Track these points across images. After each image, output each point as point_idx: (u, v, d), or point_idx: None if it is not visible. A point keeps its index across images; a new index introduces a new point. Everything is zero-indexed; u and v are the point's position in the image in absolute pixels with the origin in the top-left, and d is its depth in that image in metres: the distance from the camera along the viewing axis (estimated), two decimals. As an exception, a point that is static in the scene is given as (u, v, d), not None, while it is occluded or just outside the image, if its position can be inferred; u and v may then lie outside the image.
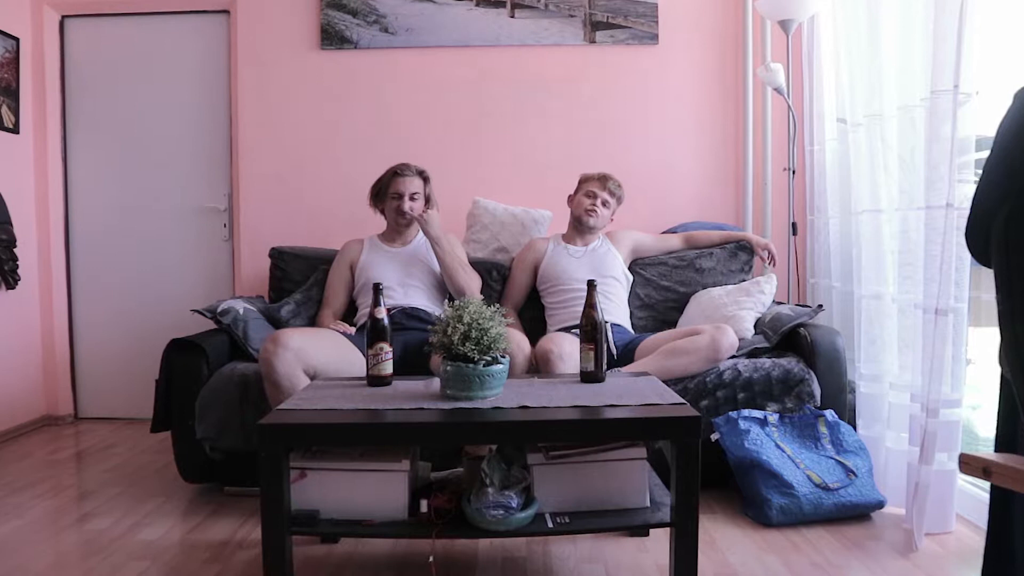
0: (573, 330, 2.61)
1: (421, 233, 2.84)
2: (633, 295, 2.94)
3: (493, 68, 3.45)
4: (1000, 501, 1.46)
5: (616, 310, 2.76)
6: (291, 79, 3.48)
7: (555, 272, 2.83)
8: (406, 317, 2.59)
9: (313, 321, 2.79)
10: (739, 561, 1.96)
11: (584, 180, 2.90)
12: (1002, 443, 1.42)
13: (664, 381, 2.34)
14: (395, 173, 2.74)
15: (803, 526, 2.17)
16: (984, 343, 2.48)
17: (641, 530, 2.09)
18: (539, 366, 2.36)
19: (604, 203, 2.85)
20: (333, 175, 3.48)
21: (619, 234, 2.98)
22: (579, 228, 2.88)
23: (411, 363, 2.42)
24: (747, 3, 3.36)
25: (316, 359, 2.26)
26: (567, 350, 2.34)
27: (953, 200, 1.94)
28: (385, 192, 2.76)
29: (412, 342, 2.47)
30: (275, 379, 2.18)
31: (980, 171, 1.46)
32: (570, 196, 2.94)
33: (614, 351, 2.55)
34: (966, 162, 1.94)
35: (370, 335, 1.95)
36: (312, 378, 2.23)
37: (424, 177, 2.77)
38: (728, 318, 2.63)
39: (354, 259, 2.80)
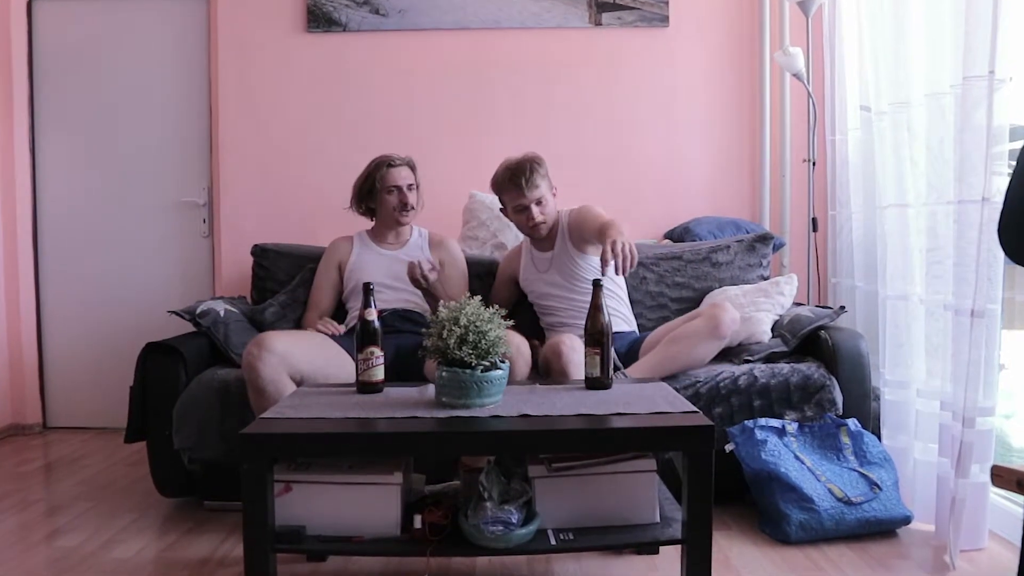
0: None
1: (416, 232, 2.83)
2: (645, 294, 2.91)
3: (492, 52, 3.45)
4: (1036, 516, 1.46)
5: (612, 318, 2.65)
6: (275, 64, 3.48)
7: (530, 289, 2.76)
8: (399, 319, 2.59)
9: (299, 324, 2.79)
10: (756, 581, 1.96)
11: (500, 192, 2.65)
12: (1038, 454, 1.41)
13: (673, 376, 2.36)
14: (388, 165, 2.71)
15: (824, 543, 2.16)
16: (1016, 347, 2.48)
17: (650, 547, 2.08)
18: (549, 361, 2.33)
19: (539, 201, 2.58)
20: (320, 167, 3.47)
21: (576, 214, 2.63)
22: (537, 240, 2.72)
23: (404, 368, 2.42)
24: (764, -17, 3.37)
25: (303, 364, 2.25)
26: (579, 345, 2.32)
27: (989, 194, 1.93)
28: (377, 187, 2.72)
29: (405, 346, 2.47)
30: (259, 385, 2.18)
31: (1014, 163, 1.46)
32: (501, 209, 2.74)
33: (619, 364, 2.51)
34: (1000, 152, 1.94)
35: (360, 338, 1.94)
36: (299, 384, 2.22)
37: (412, 165, 2.77)
38: (744, 320, 2.62)
39: (343, 259, 2.79)
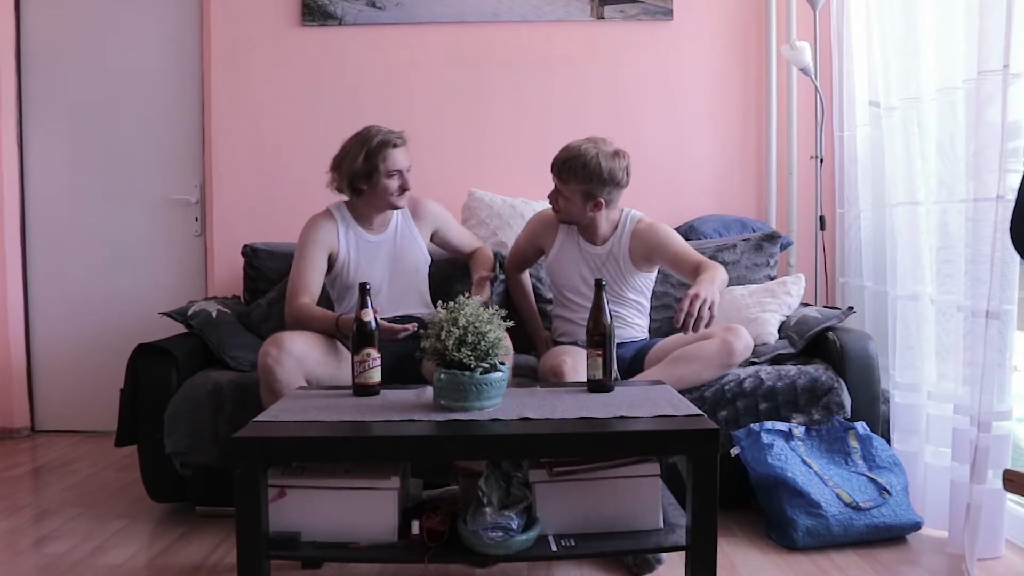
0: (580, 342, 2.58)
1: (396, 213, 2.65)
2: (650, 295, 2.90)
3: (491, 47, 3.44)
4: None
5: (627, 330, 2.61)
6: (269, 58, 3.47)
7: (560, 273, 2.64)
8: (397, 321, 2.57)
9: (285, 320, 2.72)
10: (762, 588, 1.96)
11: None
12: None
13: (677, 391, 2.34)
14: (392, 144, 2.49)
15: (832, 550, 2.16)
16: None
17: (648, 568, 2.03)
18: (547, 379, 2.32)
19: (559, 193, 2.56)
20: (315, 164, 3.42)
21: (650, 232, 2.57)
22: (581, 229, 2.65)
23: (401, 370, 2.41)
24: (770, -25, 3.37)
25: (319, 368, 2.25)
26: (582, 367, 2.30)
27: (1003, 191, 1.93)
28: (380, 170, 2.48)
29: (402, 348, 2.46)
30: (275, 387, 2.17)
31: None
32: None
33: (618, 376, 2.45)
34: (1014, 149, 1.94)
35: (356, 340, 1.94)
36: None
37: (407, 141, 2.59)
38: (750, 320, 2.62)
39: (333, 247, 2.57)
